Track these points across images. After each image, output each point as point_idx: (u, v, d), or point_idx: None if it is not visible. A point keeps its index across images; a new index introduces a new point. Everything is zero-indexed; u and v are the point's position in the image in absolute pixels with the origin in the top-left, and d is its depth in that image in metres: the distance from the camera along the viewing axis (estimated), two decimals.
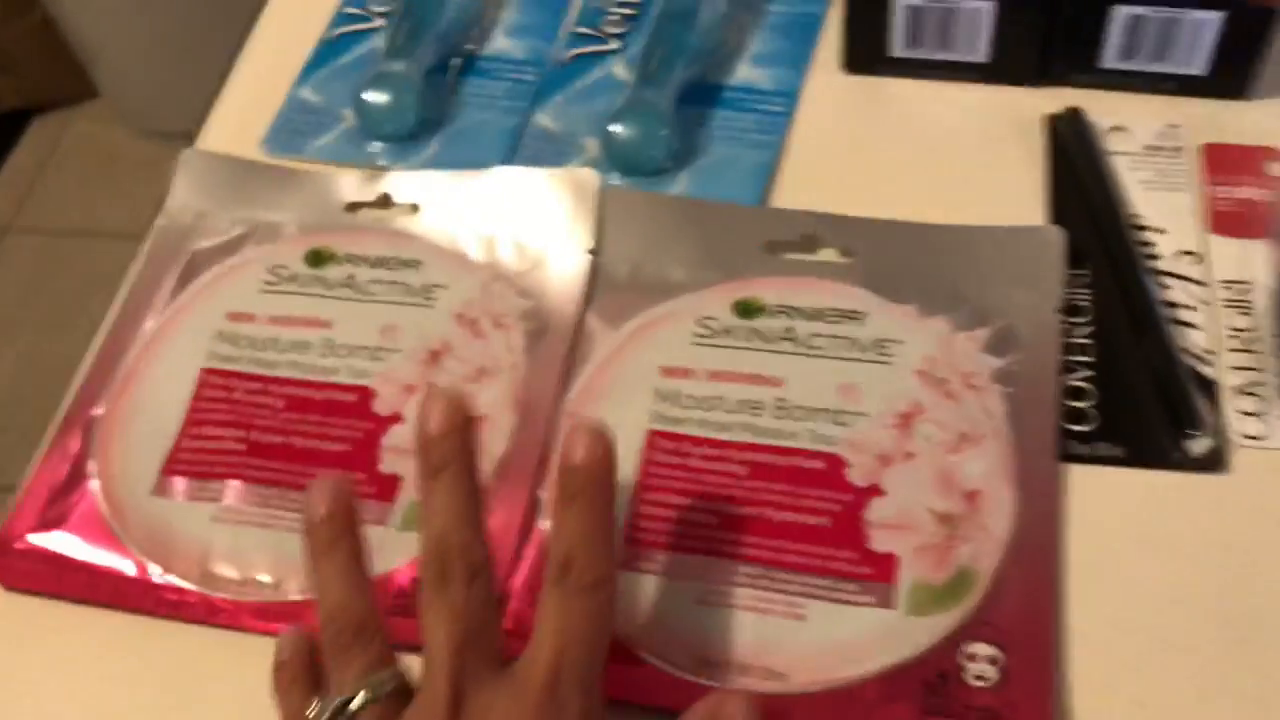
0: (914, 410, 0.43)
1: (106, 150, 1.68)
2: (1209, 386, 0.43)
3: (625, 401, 0.45)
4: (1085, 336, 0.45)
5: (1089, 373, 0.44)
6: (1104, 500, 0.42)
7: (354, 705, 0.35)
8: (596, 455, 0.36)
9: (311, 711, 0.37)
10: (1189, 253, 0.47)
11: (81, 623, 0.43)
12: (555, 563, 0.36)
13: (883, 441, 0.43)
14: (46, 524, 0.44)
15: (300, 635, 0.39)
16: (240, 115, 0.57)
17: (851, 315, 0.46)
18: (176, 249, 0.51)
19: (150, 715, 0.40)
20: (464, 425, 0.37)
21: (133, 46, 1.53)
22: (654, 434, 0.44)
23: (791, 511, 0.42)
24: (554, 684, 0.34)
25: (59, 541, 0.44)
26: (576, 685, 0.34)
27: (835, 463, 0.42)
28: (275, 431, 0.45)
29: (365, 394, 0.46)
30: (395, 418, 0.45)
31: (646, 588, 0.40)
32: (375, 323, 0.48)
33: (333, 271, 0.49)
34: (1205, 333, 0.45)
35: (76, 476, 0.45)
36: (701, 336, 0.46)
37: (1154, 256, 0.47)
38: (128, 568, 0.43)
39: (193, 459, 0.45)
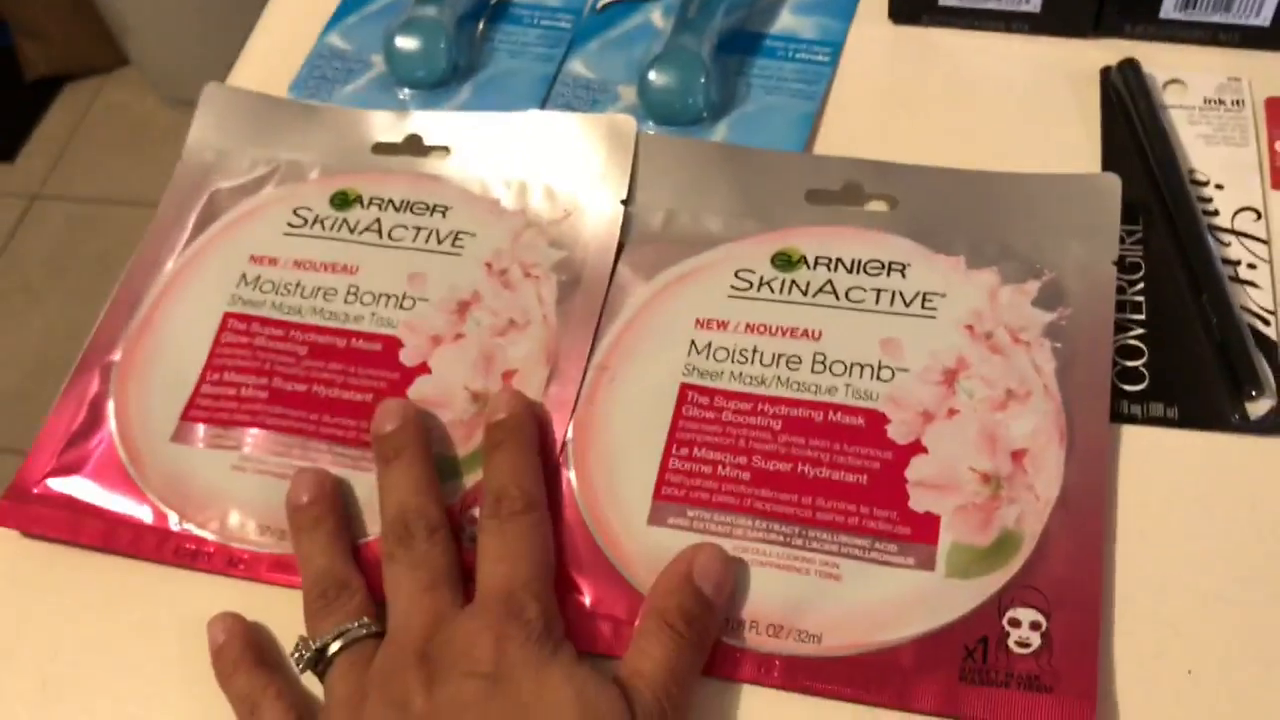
0: (959, 366, 0.41)
1: (136, 118, 1.68)
2: (1270, 347, 0.41)
3: (658, 354, 0.43)
4: (1138, 294, 0.43)
5: (1142, 331, 0.42)
6: (1156, 462, 0.40)
7: (331, 650, 0.37)
8: (516, 409, 0.41)
9: (293, 656, 0.38)
10: (1249, 209, 0.45)
11: (99, 570, 0.42)
12: (490, 499, 0.39)
13: (925, 398, 0.41)
14: (64, 469, 0.43)
15: (231, 616, 0.39)
16: (268, 62, 0.55)
17: (894, 267, 0.44)
18: (197, 188, 0.50)
19: (168, 667, 0.39)
20: (414, 419, 0.41)
21: (163, 15, 1.52)
22: (687, 387, 0.42)
23: (828, 468, 0.40)
24: (509, 597, 0.36)
25: (76, 487, 0.43)
26: (530, 595, 0.36)
27: (875, 419, 0.41)
28: (298, 379, 0.44)
29: (391, 343, 0.45)
30: (423, 368, 0.44)
31: (676, 544, 0.39)
32: (402, 270, 0.46)
33: (358, 215, 0.48)
34: (1265, 291, 0.43)
35: (95, 421, 0.44)
36: (738, 289, 0.45)
37: (1212, 213, 0.45)
38: (145, 515, 0.42)
39: (213, 406, 0.44)
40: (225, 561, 0.41)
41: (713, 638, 0.37)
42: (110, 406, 0.44)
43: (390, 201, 0.48)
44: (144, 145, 1.63)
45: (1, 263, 1.54)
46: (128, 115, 1.69)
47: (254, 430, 0.43)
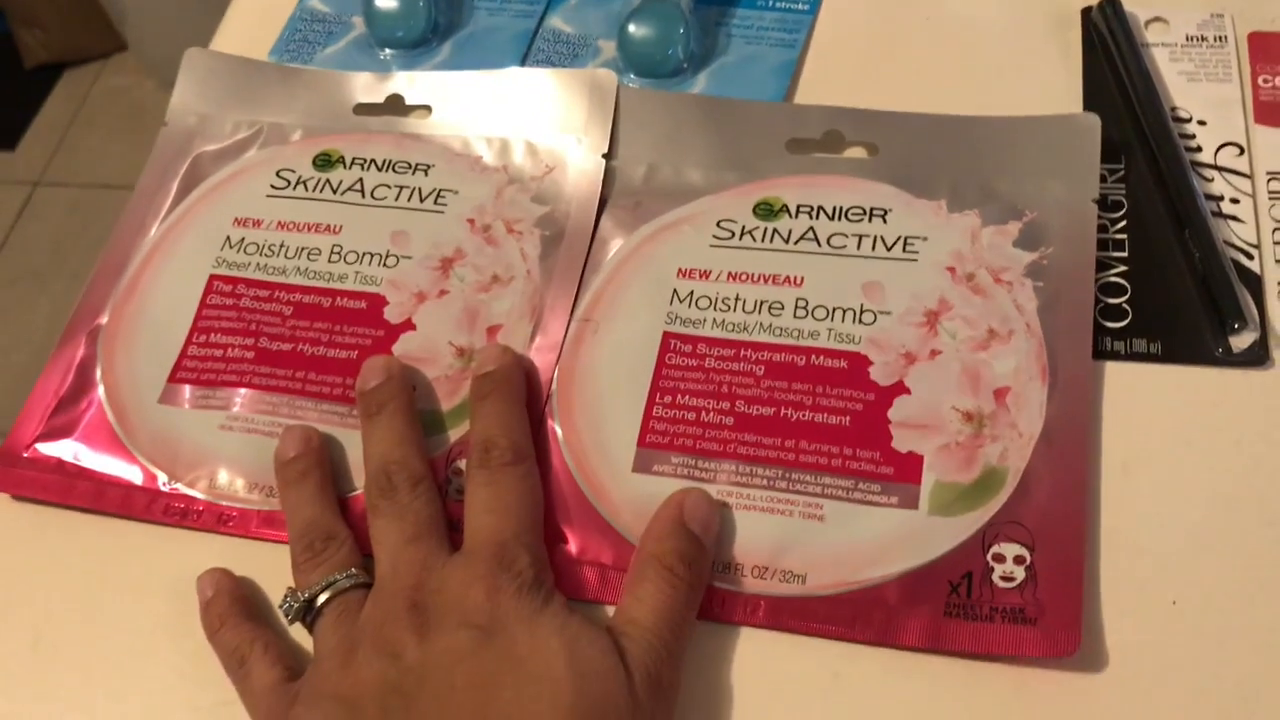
0: (940, 307, 0.41)
1: (135, 103, 1.68)
2: (1252, 281, 0.41)
3: (640, 305, 0.43)
4: (1120, 232, 0.43)
5: (1124, 268, 0.42)
6: (1139, 397, 0.40)
7: (319, 601, 0.37)
8: (504, 362, 0.41)
9: (281, 607, 0.38)
10: (1232, 144, 0.45)
11: (90, 532, 0.42)
12: (477, 448, 0.39)
13: (907, 339, 0.41)
14: (53, 433, 0.44)
15: (219, 571, 0.40)
16: (249, 26, 0.55)
17: (876, 212, 0.44)
18: (180, 153, 0.50)
19: (158, 624, 0.40)
20: (398, 374, 0.42)
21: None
22: (669, 336, 0.42)
23: (811, 411, 0.40)
24: (500, 547, 0.36)
25: (66, 449, 0.43)
26: (520, 546, 0.36)
27: (858, 361, 0.41)
28: (284, 339, 0.44)
29: (376, 301, 0.45)
30: (407, 325, 0.44)
31: (661, 491, 0.39)
32: (385, 228, 0.46)
33: (341, 175, 0.48)
34: (1249, 226, 0.42)
35: (84, 385, 0.44)
36: (720, 239, 0.45)
37: (1195, 150, 0.45)
38: (135, 476, 0.42)
39: (200, 367, 0.44)
40: (214, 519, 0.41)
41: (706, 580, 0.37)
42: (98, 370, 0.45)
43: (372, 161, 0.48)
44: (143, 129, 1.63)
45: (6, 250, 1.55)
46: (126, 100, 1.69)
47: (241, 390, 0.43)
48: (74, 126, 1.68)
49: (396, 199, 0.47)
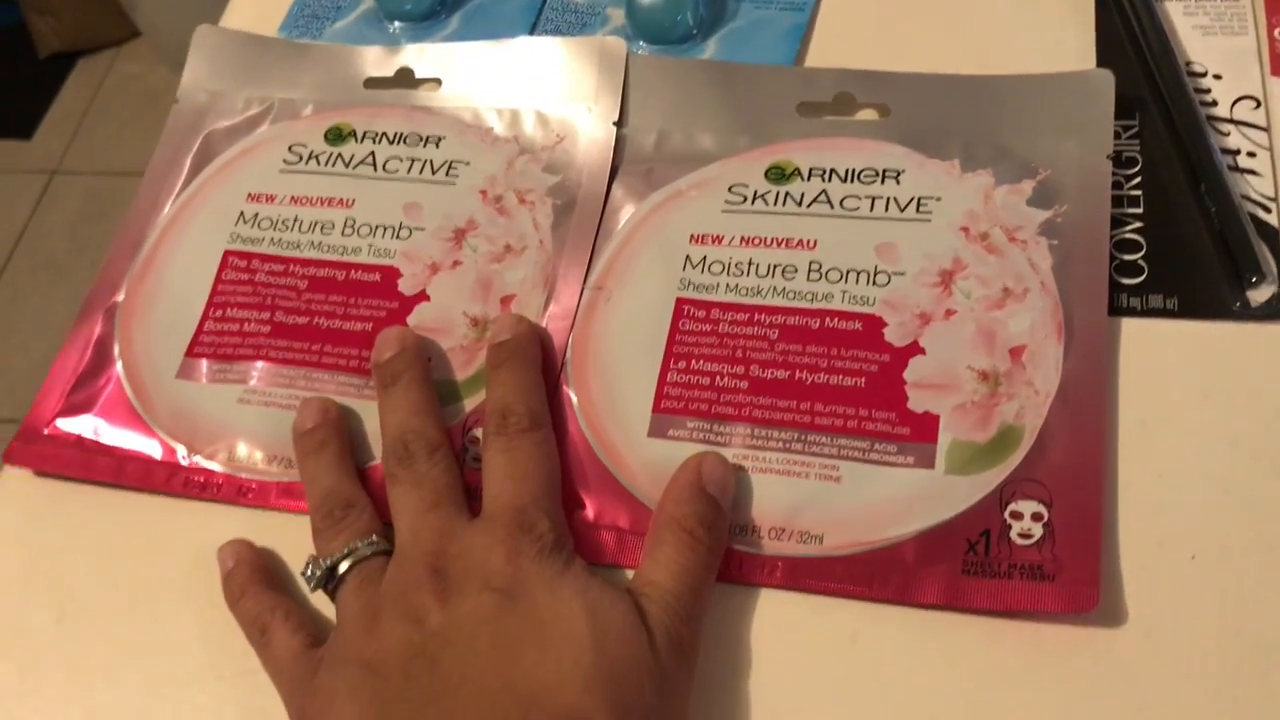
0: (955, 267, 0.41)
1: (149, 89, 1.69)
2: (1270, 234, 0.41)
3: (653, 271, 0.43)
4: (1135, 188, 0.43)
5: (1140, 224, 0.42)
6: (1156, 353, 0.40)
7: (341, 569, 0.37)
8: (519, 330, 0.41)
9: (304, 574, 0.38)
10: (1249, 98, 0.44)
11: (111, 506, 0.42)
12: (494, 415, 0.39)
13: (922, 300, 0.41)
14: (73, 409, 0.44)
15: (240, 542, 0.40)
16: (257, 3, 0.55)
17: (888, 174, 0.44)
18: (191, 130, 0.50)
19: (181, 596, 0.40)
20: (413, 345, 0.42)
21: None
22: (683, 301, 0.42)
23: (826, 373, 0.40)
24: (520, 512, 0.36)
25: (85, 425, 0.44)
26: (540, 510, 0.37)
27: (872, 323, 0.41)
28: (299, 312, 0.45)
29: (390, 273, 0.45)
30: (421, 296, 0.44)
31: (677, 455, 0.39)
32: (398, 201, 0.46)
33: (352, 149, 0.48)
34: (1266, 179, 0.42)
35: (102, 361, 0.45)
36: (732, 204, 0.44)
37: (1210, 104, 0.44)
38: (155, 450, 0.43)
39: (216, 341, 0.45)
40: (234, 491, 0.42)
41: (724, 542, 0.38)
42: (116, 347, 0.45)
43: (384, 135, 0.48)
44: (158, 116, 1.63)
45: (25, 238, 1.56)
46: (141, 86, 1.70)
47: (258, 363, 0.44)
48: (89, 114, 1.69)
49: (408, 171, 0.47)
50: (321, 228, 0.46)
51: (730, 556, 0.38)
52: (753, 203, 0.44)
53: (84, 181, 1.62)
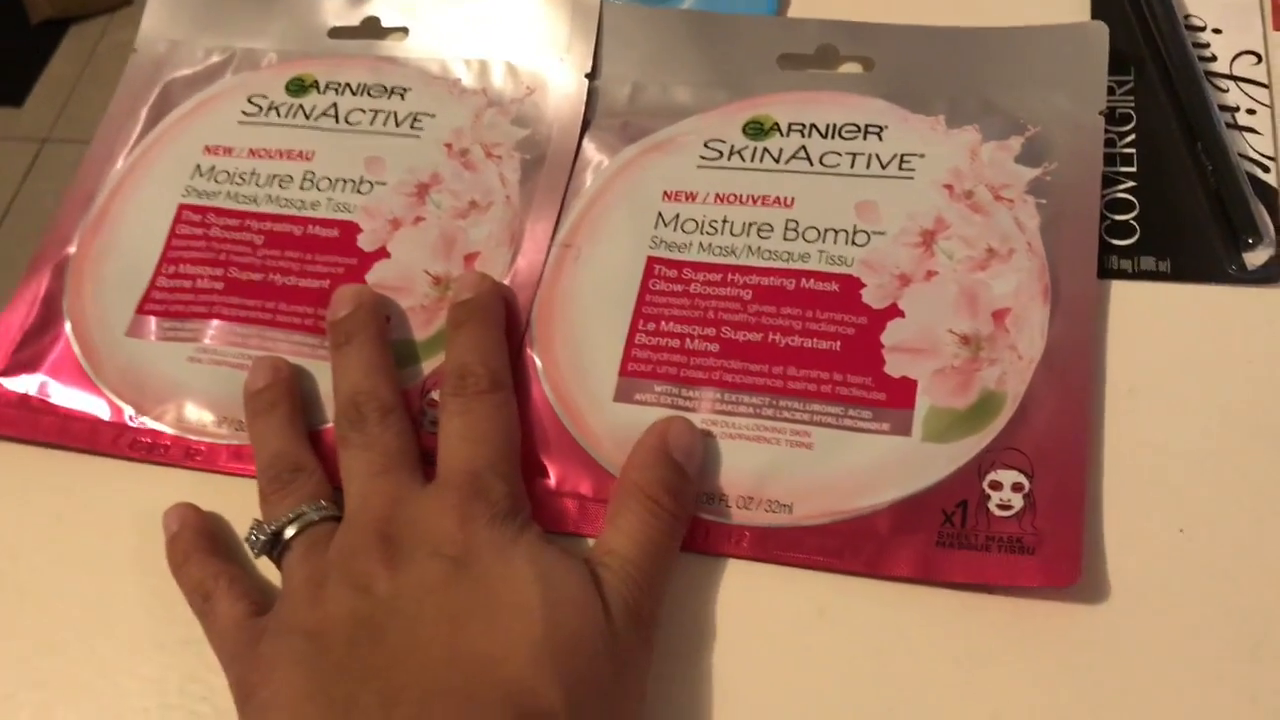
0: (937, 226, 0.39)
1: None
2: (1269, 195, 0.39)
3: (624, 229, 0.42)
4: (1129, 146, 0.41)
5: (1132, 184, 0.40)
6: (1147, 317, 0.38)
7: (287, 534, 0.36)
8: (482, 289, 0.39)
9: (247, 540, 0.37)
10: (1249, 53, 0.42)
11: (55, 467, 0.41)
12: (452, 375, 0.37)
13: (902, 260, 0.39)
14: (18, 367, 0.42)
15: (185, 506, 0.38)
16: None
17: (871, 130, 0.42)
18: (149, 81, 0.48)
19: (125, 560, 0.38)
20: (369, 302, 0.40)
21: None
22: (654, 260, 0.41)
23: (800, 336, 0.38)
24: (474, 476, 0.35)
25: (32, 384, 0.42)
26: (495, 475, 0.35)
27: (849, 284, 0.39)
28: (254, 269, 0.43)
29: (349, 228, 0.43)
30: (381, 253, 0.42)
31: (643, 420, 0.37)
32: (359, 154, 0.45)
33: (314, 100, 0.46)
34: (1265, 138, 0.40)
35: (50, 318, 0.43)
36: (708, 160, 0.42)
37: (1209, 59, 0.42)
38: (102, 410, 0.41)
39: (168, 298, 0.43)
40: (183, 453, 0.40)
41: (690, 512, 0.36)
42: (65, 303, 0.43)
43: (347, 85, 0.46)
44: None
45: (15, 207, 1.54)
46: None
47: (211, 321, 0.42)
48: (81, 82, 1.67)
49: (371, 124, 0.45)
50: (280, 181, 0.44)
51: (696, 525, 0.36)
52: (729, 159, 0.42)
53: (76, 150, 1.59)
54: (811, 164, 0.42)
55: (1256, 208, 0.38)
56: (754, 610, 0.35)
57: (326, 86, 0.46)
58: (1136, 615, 0.33)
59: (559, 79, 0.45)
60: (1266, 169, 0.39)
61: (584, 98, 0.44)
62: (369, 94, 0.46)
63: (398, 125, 0.45)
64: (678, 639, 0.34)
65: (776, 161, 0.42)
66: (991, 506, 0.35)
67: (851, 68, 0.44)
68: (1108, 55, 0.41)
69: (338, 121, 0.45)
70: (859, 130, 0.42)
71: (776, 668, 0.34)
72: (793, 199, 0.41)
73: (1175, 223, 0.39)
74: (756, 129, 0.43)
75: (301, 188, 0.44)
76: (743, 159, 0.42)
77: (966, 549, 0.34)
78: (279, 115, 0.46)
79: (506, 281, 0.41)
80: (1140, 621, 0.33)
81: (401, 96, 0.46)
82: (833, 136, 0.42)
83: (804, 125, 0.42)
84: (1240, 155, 0.40)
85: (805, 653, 0.34)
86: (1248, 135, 0.40)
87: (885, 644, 0.34)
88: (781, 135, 0.42)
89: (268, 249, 0.43)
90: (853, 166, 0.41)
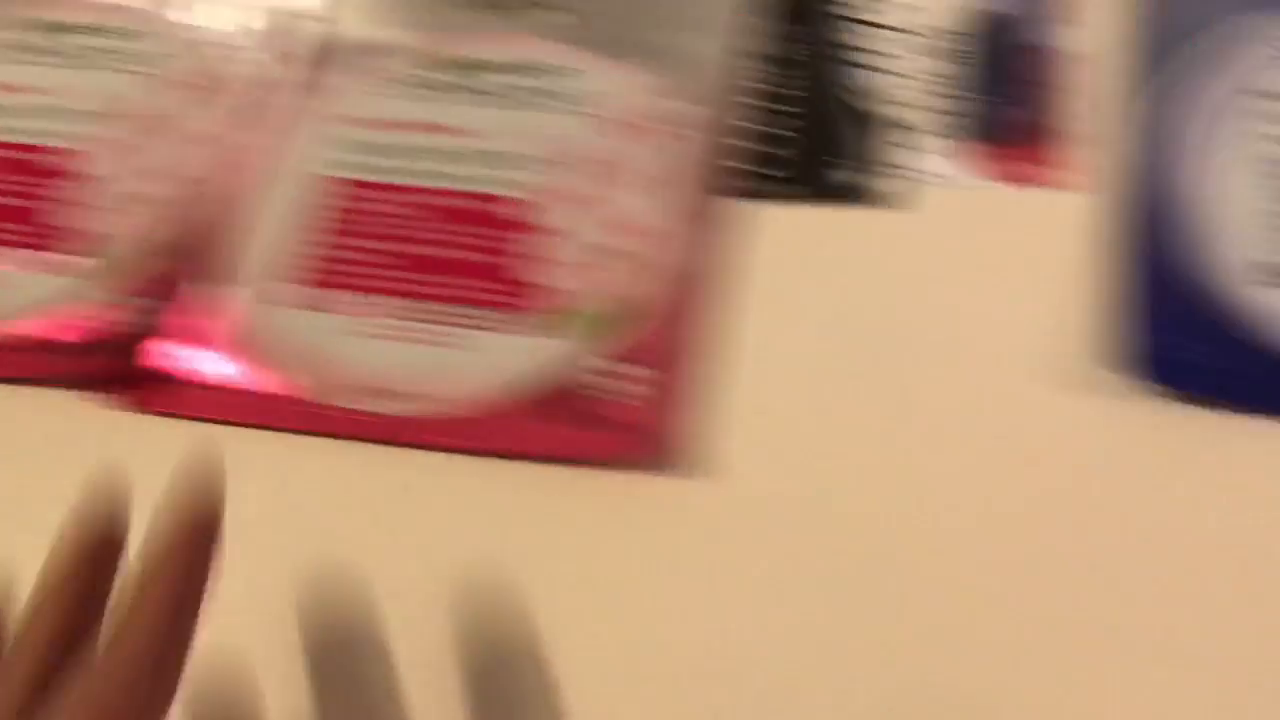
0: (591, 154, 0.42)
1: None
2: (865, 121, 0.42)
3: (298, 148, 0.44)
4: (778, 84, 0.44)
5: (772, 114, 0.43)
6: (778, 236, 0.41)
7: None
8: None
9: None
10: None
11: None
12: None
13: (555, 183, 0.42)
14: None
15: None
16: None
17: (539, 67, 0.45)
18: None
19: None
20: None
21: None
22: (326, 180, 0.43)
23: (453, 248, 0.41)
24: None
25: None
26: None
27: (503, 203, 0.42)
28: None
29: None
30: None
31: (296, 321, 0.40)
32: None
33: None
34: (894, 76, 0.43)
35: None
36: (393, 92, 0.45)
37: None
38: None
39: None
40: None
41: None
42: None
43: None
44: None
45: None
46: None
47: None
48: None
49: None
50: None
51: (340, 415, 0.39)
52: (413, 89, 0.45)
53: None
54: (486, 96, 0.44)
55: (850, 133, 0.41)
56: (339, 489, 0.36)
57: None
58: (741, 499, 0.35)
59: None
60: (888, 101, 0.42)
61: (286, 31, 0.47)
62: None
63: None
64: (267, 520, 0.32)
65: (450, 93, 0.45)
66: (610, 396, 0.37)
67: (551, 15, 0.46)
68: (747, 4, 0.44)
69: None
70: (530, 67, 0.45)
71: (362, 541, 0.33)
72: (463, 128, 0.44)
73: (809, 151, 0.42)
74: (441, 64, 0.46)
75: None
76: (425, 89, 0.45)
77: (581, 429, 0.37)
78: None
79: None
80: (745, 504, 0.35)
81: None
82: (510, 72, 0.45)
83: (483, 62, 0.45)
84: (852, 87, 0.42)
85: (391, 528, 0.34)
86: (879, 74, 0.43)
87: (472, 515, 0.35)
88: (463, 71, 0.45)
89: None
90: (521, 99, 0.44)
